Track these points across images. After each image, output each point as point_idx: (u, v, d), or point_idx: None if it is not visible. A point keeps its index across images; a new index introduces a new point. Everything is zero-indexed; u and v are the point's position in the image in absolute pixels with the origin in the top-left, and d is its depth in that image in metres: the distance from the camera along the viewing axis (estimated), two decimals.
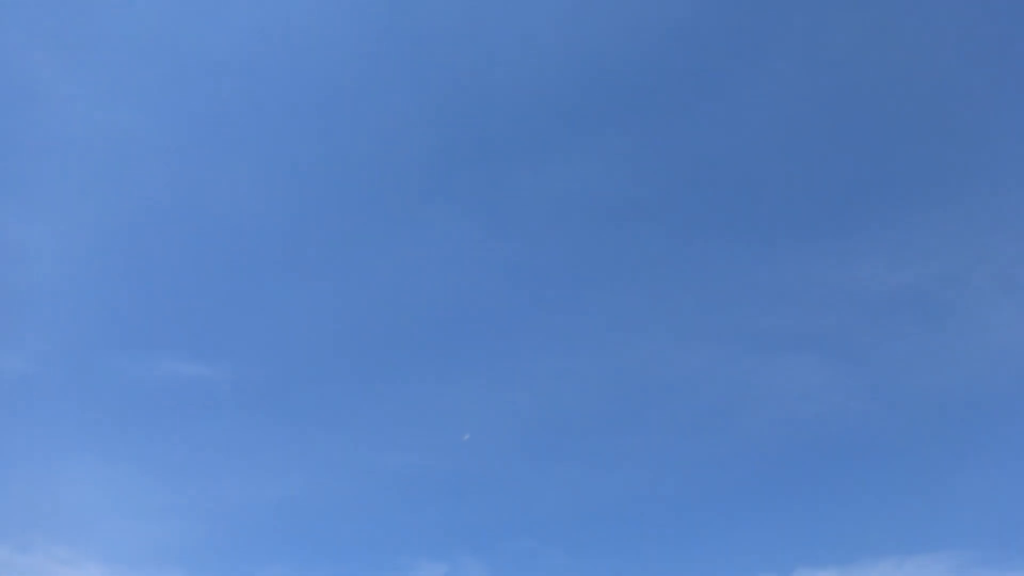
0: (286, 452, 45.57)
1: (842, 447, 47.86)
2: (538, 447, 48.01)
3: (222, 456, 44.87)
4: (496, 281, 50.36)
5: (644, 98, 51.78)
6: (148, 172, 48.01)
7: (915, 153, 51.21)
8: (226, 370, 46.19)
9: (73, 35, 46.92)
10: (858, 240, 51.03)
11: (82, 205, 46.61)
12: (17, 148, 45.98)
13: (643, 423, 48.62)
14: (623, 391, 49.08)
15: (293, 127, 50.29)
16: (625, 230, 51.78)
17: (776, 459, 47.75)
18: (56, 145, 46.52)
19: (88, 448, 43.45)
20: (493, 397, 48.77)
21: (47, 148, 46.25)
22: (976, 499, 44.79)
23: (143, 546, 41.56)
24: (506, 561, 44.52)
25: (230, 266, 48.94)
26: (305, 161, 50.21)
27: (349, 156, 50.76)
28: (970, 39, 49.58)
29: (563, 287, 51.03)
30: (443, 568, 44.18)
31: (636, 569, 45.95)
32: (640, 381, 49.33)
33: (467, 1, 50.57)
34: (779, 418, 48.43)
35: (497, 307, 49.99)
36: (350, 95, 50.59)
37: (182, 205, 48.54)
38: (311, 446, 46.09)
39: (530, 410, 48.50)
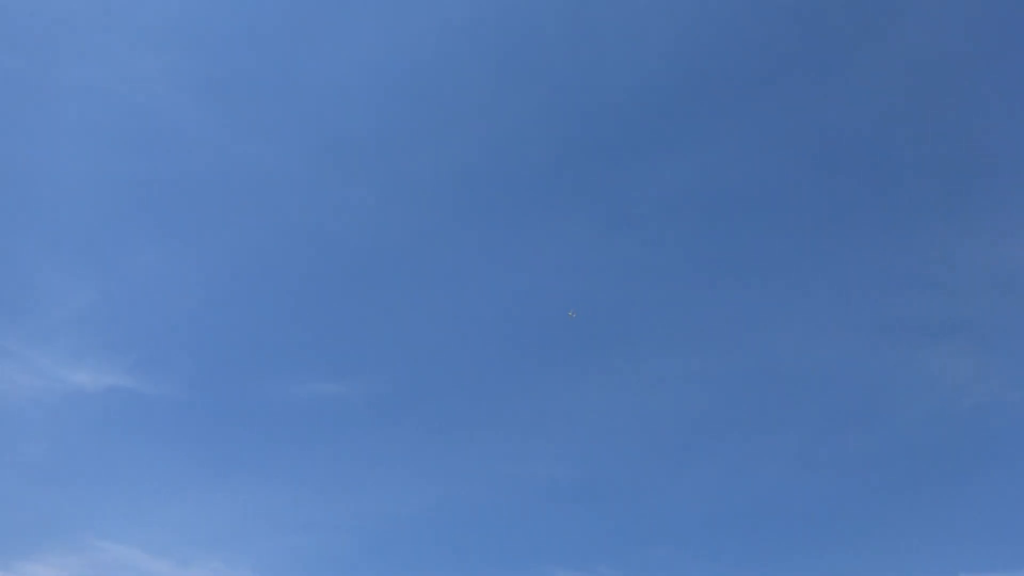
0: (421, 463, 46.43)
1: (1002, 441, 44.60)
2: (672, 451, 47.08)
3: (360, 470, 46.16)
4: (619, 281, 49.70)
5: (761, 86, 50.06)
6: (278, 200, 50.05)
7: None
8: (358, 386, 47.50)
9: (208, 76, 49.42)
10: (1005, 219, 47.57)
11: (219, 238, 49.06)
12: (157, 187, 48.85)
13: (781, 422, 46.89)
14: (758, 389, 47.47)
15: (411, 139, 51.21)
16: (748, 223, 50.13)
17: (929, 455, 45.03)
18: (195, 182, 49.18)
19: (239, 467, 45.61)
20: (624, 401, 48.18)
21: (186, 186, 48.94)
22: None
23: (292, 559, 43.31)
24: (643, 569, 43.81)
25: (357, 284, 50.28)
26: (424, 172, 51.05)
27: (466, 163, 51.34)
28: None
29: (688, 284, 49.89)
30: None
31: None
32: (775, 378, 47.58)
33: (576, 2, 50.22)
34: (930, 412, 45.68)
35: (622, 307, 49.34)
36: (464, 103, 51.15)
37: (308, 231, 50.21)
38: (444, 456, 46.77)
39: (662, 413, 47.65)
